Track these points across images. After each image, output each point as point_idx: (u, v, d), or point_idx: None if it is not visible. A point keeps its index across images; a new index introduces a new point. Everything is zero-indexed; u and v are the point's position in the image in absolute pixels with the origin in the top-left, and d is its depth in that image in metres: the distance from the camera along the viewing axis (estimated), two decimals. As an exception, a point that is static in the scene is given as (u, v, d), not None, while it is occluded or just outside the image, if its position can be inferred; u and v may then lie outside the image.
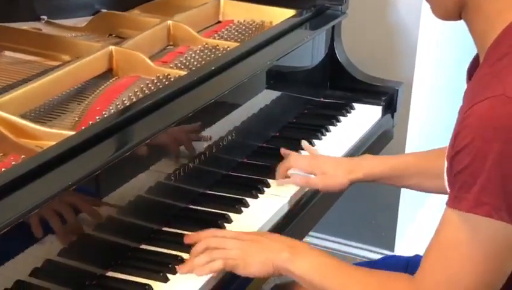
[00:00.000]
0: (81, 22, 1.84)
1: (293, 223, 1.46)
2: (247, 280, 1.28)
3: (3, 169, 1.14)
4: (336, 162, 1.49)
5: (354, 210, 2.34)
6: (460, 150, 1.00)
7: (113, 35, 1.80)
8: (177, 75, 1.51)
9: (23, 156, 1.18)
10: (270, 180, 1.51)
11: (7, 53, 1.63)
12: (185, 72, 1.51)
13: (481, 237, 1.01)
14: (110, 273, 1.22)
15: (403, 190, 2.27)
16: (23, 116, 1.32)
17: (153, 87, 1.48)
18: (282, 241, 1.23)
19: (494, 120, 0.97)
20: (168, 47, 1.75)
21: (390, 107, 1.93)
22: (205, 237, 1.25)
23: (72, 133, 1.23)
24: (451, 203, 1.03)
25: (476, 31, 1.10)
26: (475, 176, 0.99)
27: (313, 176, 1.49)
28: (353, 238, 2.43)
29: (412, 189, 1.49)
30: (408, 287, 1.09)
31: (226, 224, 1.36)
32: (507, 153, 0.97)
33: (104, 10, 1.88)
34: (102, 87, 1.52)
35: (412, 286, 1.09)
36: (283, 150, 1.55)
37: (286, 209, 1.46)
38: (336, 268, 1.17)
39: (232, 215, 1.38)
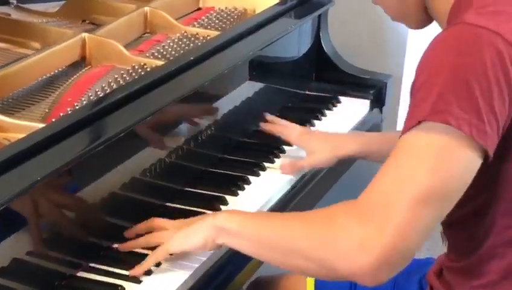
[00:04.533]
0: (53, 7, 1.84)
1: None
2: (227, 279, 1.31)
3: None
4: (324, 139, 1.57)
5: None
6: (419, 71, 1.06)
7: (87, 22, 1.80)
8: (153, 65, 1.52)
9: (-12, 150, 1.19)
10: (250, 177, 1.52)
11: (-27, 39, 1.63)
12: (162, 62, 1.52)
13: (437, 141, 1.02)
14: (80, 274, 1.23)
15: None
16: (-11, 107, 1.33)
17: (128, 78, 1.49)
18: (216, 212, 1.27)
19: (451, 39, 1.06)
20: (144, 35, 1.76)
21: (378, 101, 1.95)
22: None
23: (42, 125, 1.24)
24: (404, 129, 1.05)
25: (437, 14, 1.20)
26: (431, 87, 1.03)
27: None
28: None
29: None
30: (348, 206, 1.06)
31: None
32: (462, 62, 1.03)
33: (77, -6, 1.88)
34: (74, 77, 1.52)
35: (352, 204, 1.06)
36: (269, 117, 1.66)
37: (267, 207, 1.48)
38: (273, 215, 1.21)
39: (210, 213, 1.40)
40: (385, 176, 1.05)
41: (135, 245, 1.28)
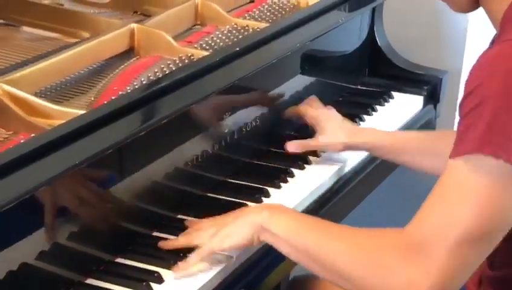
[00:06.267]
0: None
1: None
2: (263, 274, 1.35)
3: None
4: (340, 124, 1.59)
5: (384, 208, 2.36)
6: (469, 93, 1.04)
7: (138, 13, 1.86)
8: (200, 56, 1.57)
9: (33, 135, 1.25)
10: (294, 170, 1.55)
11: (25, 28, 1.71)
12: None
13: (485, 178, 1.02)
14: (118, 260, 1.28)
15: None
16: (37, 95, 1.39)
17: (174, 68, 1.54)
18: (261, 205, 1.32)
19: (505, 61, 1.02)
20: (195, 27, 1.81)
21: (433, 98, 1.96)
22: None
23: (83, 112, 1.30)
24: (454, 152, 1.04)
25: (489, 11, 1.17)
26: (481, 116, 1.01)
27: None
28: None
29: (409, 167, 1.56)
30: (396, 239, 1.08)
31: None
32: None
33: (129, -15, 1.94)
34: (122, 66, 1.57)
35: (400, 237, 1.08)
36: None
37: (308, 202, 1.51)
38: (318, 226, 1.19)
39: (251, 205, 1.43)
40: (432, 209, 1.06)
41: (176, 244, 1.29)
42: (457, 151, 1.04)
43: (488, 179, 1.01)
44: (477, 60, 1.07)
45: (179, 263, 1.26)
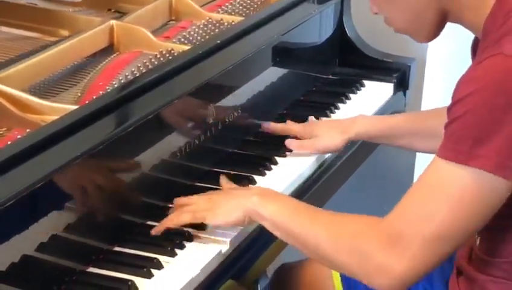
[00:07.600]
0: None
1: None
2: (250, 261, 1.41)
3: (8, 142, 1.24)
4: (330, 124, 1.65)
5: (365, 195, 2.44)
6: (460, 100, 1.10)
7: (113, 11, 1.89)
8: (180, 50, 1.61)
9: (28, 130, 1.28)
10: (277, 158, 1.61)
11: (4, 29, 1.73)
12: (189, 47, 1.61)
13: (470, 186, 1.09)
14: (117, 248, 1.33)
15: (417, 173, 2.37)
16: (25, 91, 1.42)
17: (156, 62, 1.58)
18: (253, 189, 1.39)
19: (495, 74, 1.08)
20: (170, 22, 1.85)
21: (402, 84, 2.03)
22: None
23: (76, 107, 1.34)
24: (443, 153, 1.11)
25: (468, 23, 1.23)
26: (471, 127, 1.09)
27: None
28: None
29: (404, 149, 1.64)
30: (375, 228, 1.16)
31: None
32: (509, 106, 1.06)
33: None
34: (104, 63, 1.61)
35: (379, 226, 1.16)
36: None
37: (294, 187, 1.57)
38: (304, 211, 1.27)
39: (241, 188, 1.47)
40: (413, 203, 1.15)
41: (168, 224, 1.34)
42: (448, 155, 1.11)
43: (474, 188, 1.09)
44: (468, 71, 1.13)
45: (163, 221, 1.33)
